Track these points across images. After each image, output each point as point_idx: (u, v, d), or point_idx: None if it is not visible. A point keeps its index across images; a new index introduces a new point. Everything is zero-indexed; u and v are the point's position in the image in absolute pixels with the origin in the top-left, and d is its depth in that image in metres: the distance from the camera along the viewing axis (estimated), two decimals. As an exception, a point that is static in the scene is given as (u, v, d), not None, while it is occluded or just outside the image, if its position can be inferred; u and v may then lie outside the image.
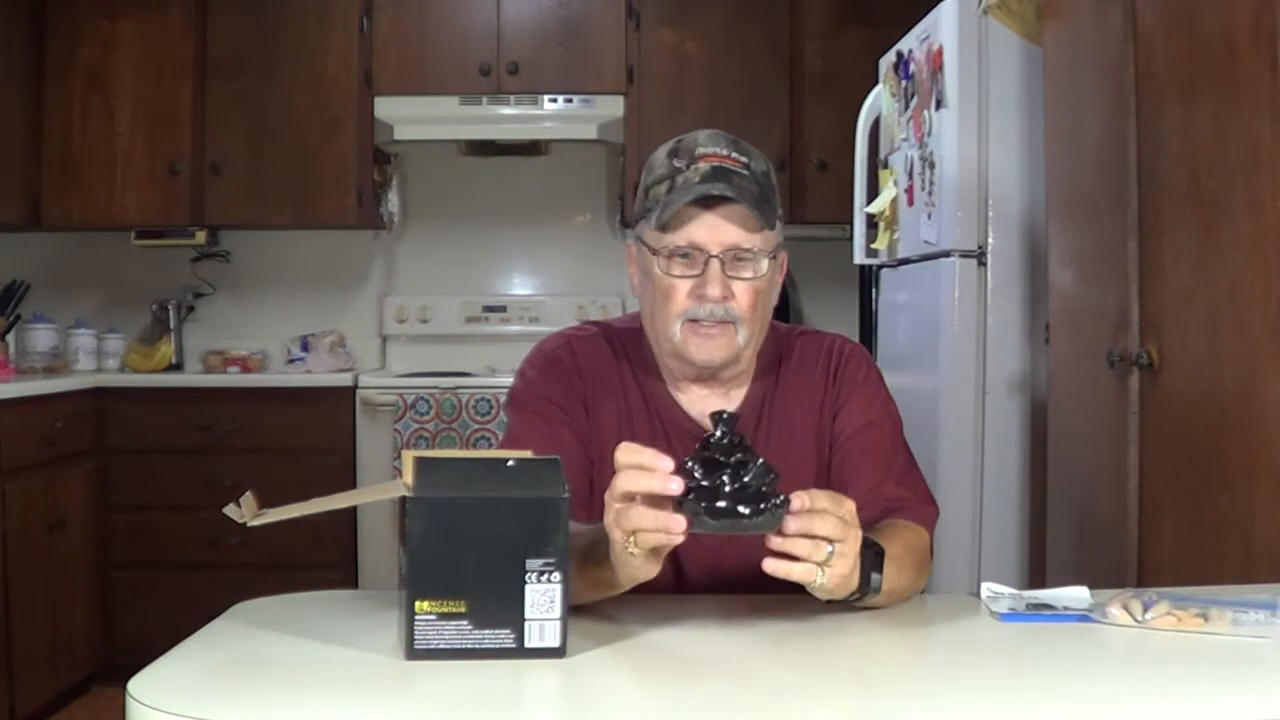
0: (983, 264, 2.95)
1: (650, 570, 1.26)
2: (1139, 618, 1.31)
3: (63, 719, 3.59)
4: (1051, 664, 1.22)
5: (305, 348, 4.33)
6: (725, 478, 1.17)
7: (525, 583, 1.19)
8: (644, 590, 1.33)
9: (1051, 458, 2.70)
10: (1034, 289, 2.91)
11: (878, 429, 1.64)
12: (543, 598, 1.19)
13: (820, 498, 1.24)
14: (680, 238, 1.52)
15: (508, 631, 1.19)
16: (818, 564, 1.24)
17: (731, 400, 1.63)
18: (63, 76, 4.15)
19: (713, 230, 1.52)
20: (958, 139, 2.94)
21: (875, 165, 3.55)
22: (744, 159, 1.54)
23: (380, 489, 1.31)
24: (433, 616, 1.18)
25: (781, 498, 1.18)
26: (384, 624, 1.28)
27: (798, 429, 1.63)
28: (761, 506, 1.17)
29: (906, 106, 3.27)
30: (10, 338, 4.09)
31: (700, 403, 1.63)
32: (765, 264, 1.54)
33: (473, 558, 1.18)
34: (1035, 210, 2.88)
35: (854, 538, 1.27)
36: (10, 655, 3.27)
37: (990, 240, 2.94)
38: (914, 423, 3.13)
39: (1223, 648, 1.24)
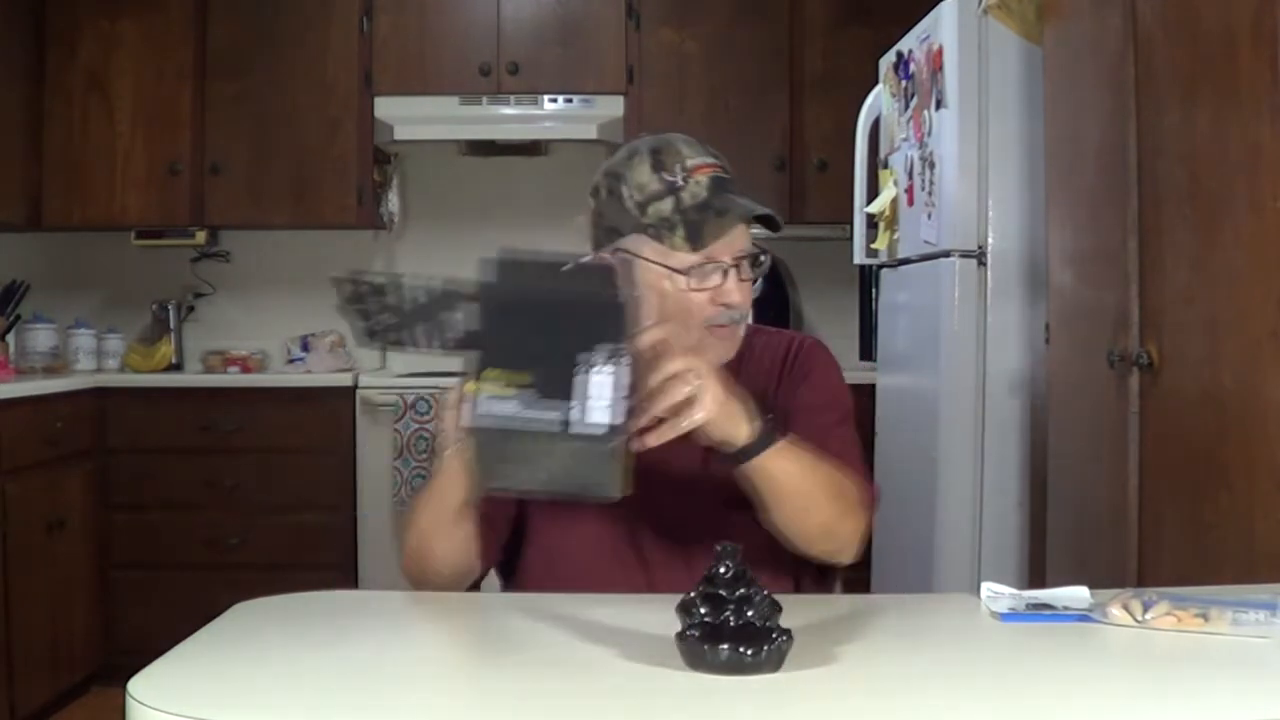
0: (983, 264, 2.95)
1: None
2: (1139, 618, 1.31)
3: (63, 719, 3.59)
4: (1051, 664, 1.22)
5: (305, 348, 4.33)
6: (729, 614, 1.16)
7: (583, 371, 1.21)
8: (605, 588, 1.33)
9: (1051, 458, 2.70)
10: (1034, 289, 2.91)
11: (822, 410, 1.65)
12: (598, 387, 1.22)
13: (651, 334, 1.32)
14: (704, 254, 1.55)
15: (558, 415, 1.21)
16: (689, 400, 1.32)
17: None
18: (63, 76, 4.15)
19: (729, 242, 1.56)
20: (958, 139, 2.94)
21: (875, 165, 3.55)
22: (722, 161, 1.59)
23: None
24: (496, 388, 1.21)
25: (785, 633, 1.16)
26: (384, 624, 1.28)
27: None
28: (765, 647, 1.15)
29: (906, 106, 3.27)
30: (10, 338, 4.09)
31: None
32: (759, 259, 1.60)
33: (535, 345, 1.22)
34: (1035, 210, 2.88)
35: (705, 366, 1.35)
36: (10, 655, 3.27)
37: (990, 240, 2.94)
38: (914, 423, 3.16)
39: (1223, 648, 1.24)
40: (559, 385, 1.22)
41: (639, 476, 1.59)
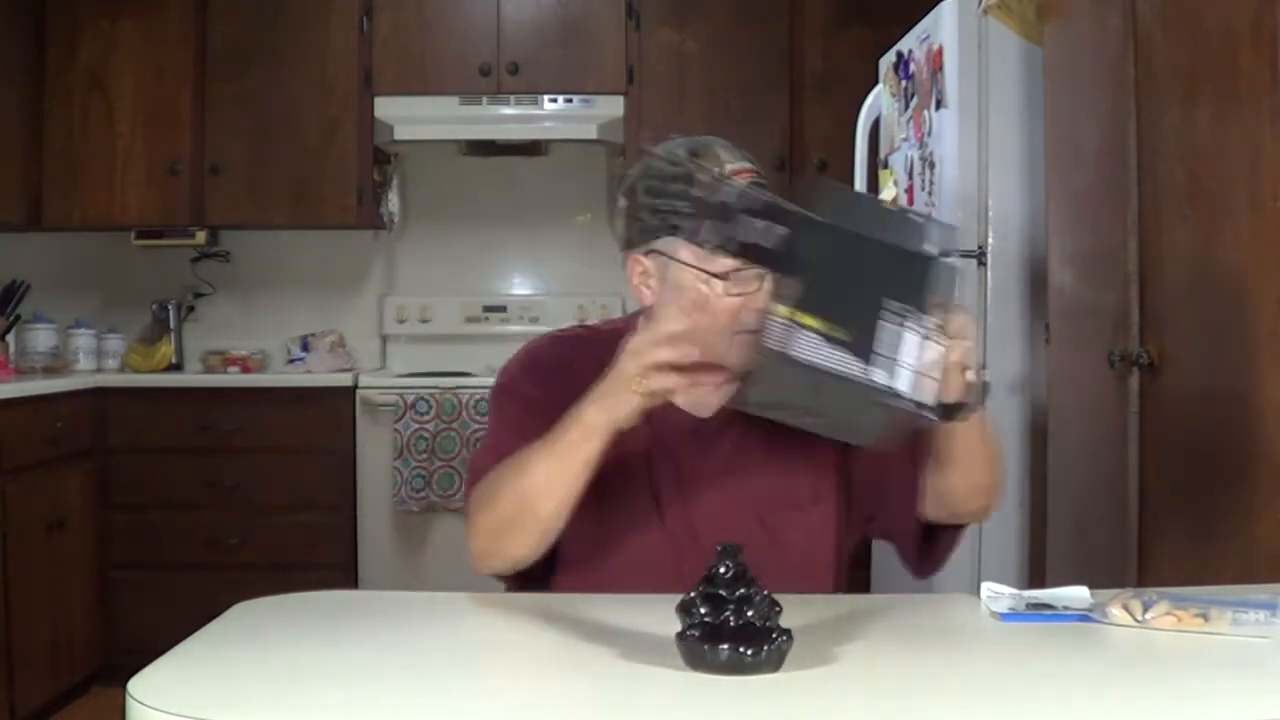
0: (983, 264, 2.95)
1: (632, 418, 1.40)
2: (1139, 618, 1.31)
3: (63, 719, 3.59)
4: (1051, 664, 1.22)
5: (305, 348, 4.33)
6: (729, 615, 1.15)
7: (895, 323, 1.23)
8: (643, 590, 1.32)
9: (1051, 457, 2.70)
10: (1034, 289, 2.91)
11: None
12: (908, 348, 1.23)
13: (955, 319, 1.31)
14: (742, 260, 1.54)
15: (861, 367, 1.22)
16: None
17: (722, 393, 1.63)
18: (63, 76, 4.15)
19: None
20: (958, 139, 2.94)
21: (875, 165, 3.55)
22: (757, 166, 1.58)
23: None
24: (812, 323, 1.23)
25: (785, 633, 1.16)
26: (384, 624, 1.28)
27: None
28: (765, 647, 1.14)
29: (906, 106, 3.27)
30: (10, 338, 4.09)
31: (686, 393, 1.62)
32: None
33: (842, 280, 1.23)
34: (1035, 210, 2.88)
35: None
36: (10, 655, 3.27)
37: (990, 240, 2.95)
38: (914, 423, 3.15)
39: (1223, 648, 1.24)
40: (867, 334, 1.22)
41: (683, 489, 1.60)
